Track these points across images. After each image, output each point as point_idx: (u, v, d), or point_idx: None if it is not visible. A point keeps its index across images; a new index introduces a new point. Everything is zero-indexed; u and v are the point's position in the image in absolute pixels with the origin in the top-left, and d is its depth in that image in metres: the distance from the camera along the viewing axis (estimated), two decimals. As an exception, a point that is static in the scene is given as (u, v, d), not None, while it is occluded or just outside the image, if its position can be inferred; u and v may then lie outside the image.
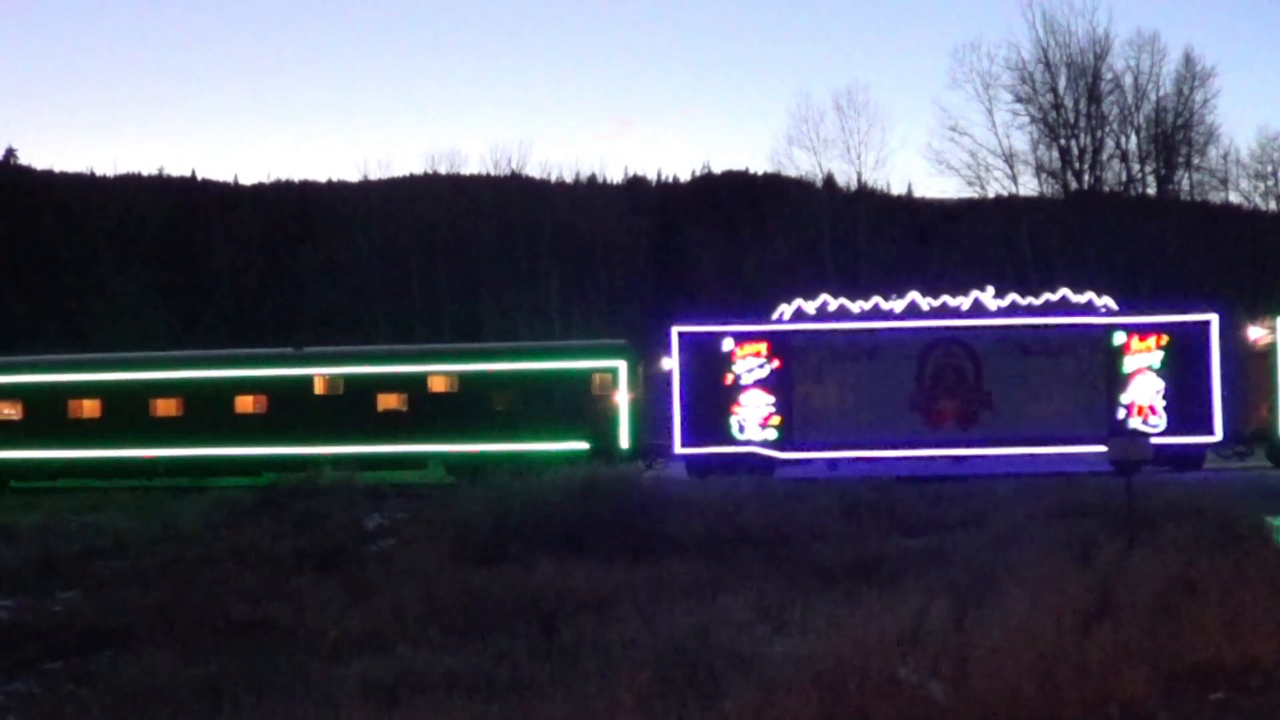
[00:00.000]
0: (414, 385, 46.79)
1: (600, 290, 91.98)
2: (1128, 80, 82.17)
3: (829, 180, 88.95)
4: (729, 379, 43.89)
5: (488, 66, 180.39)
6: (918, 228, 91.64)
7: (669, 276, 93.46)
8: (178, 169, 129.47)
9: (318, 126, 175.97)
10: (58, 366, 49.47)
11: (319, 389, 46.94)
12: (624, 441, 45.40)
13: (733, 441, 43.53)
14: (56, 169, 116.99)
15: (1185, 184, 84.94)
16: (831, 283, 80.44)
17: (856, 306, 44.75)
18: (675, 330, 44.62)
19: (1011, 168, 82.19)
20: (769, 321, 45.04)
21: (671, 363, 44.56)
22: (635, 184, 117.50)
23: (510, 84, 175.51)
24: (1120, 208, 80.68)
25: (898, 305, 44.57)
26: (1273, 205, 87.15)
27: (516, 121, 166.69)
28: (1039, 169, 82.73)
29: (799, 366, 44.31)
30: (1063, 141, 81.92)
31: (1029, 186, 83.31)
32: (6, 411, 48.12)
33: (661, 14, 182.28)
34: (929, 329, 44.27)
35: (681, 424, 44.03)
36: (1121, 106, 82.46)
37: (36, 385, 48.02)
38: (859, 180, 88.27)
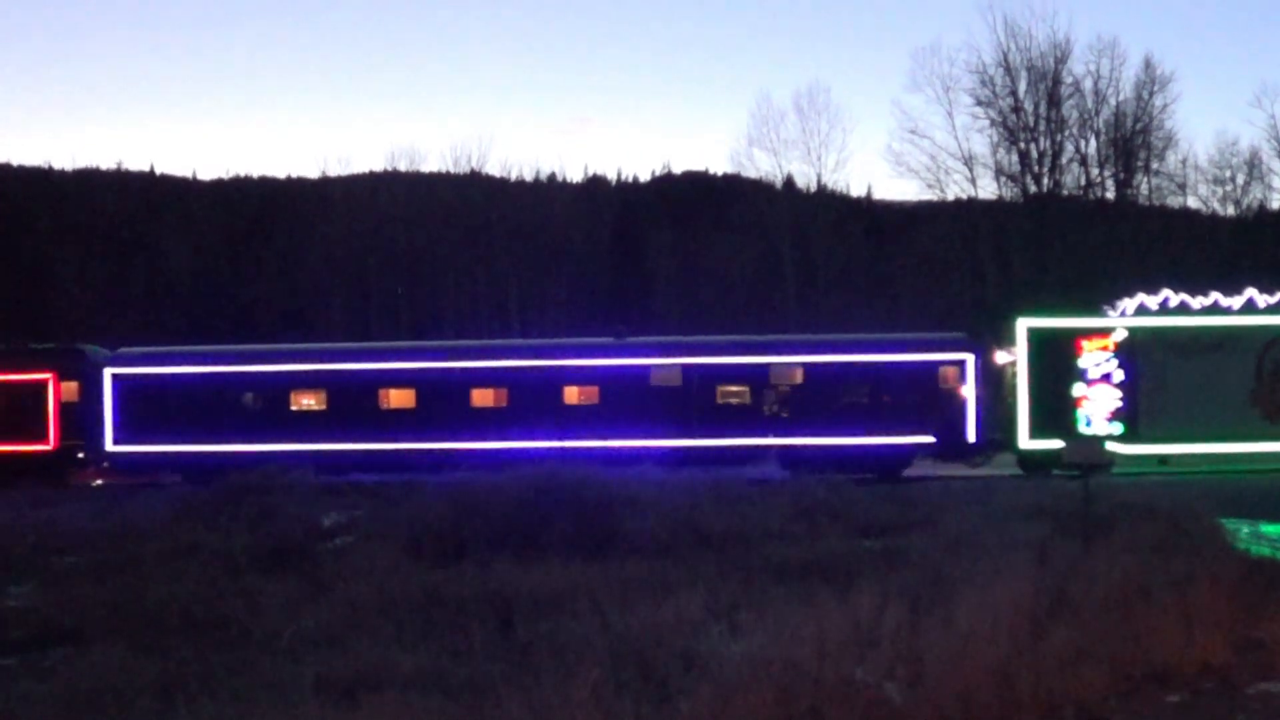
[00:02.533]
0: (757, 377, 46.74)
1: (559, 289, 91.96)
2: (1087, 85, 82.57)
3: (789, 181, 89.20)
4: (1076, 372, 44.60)
5: (448, 64, 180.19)
6: (877, 230, 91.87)
7: (628, 276, 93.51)
8: (136, 164, 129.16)
9: (277, 122, 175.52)
10: (366, 355, 49.56)
11: (655, 380, 46.85)
12: (970, 435, 45.67)
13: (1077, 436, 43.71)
14: (14, 162, 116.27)
15: (1144, 189, 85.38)
16: (790, 284, 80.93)
17: (1196, 302, 45.39)
18: (1022, 324, 45.28)
19: (971, 171, 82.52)
20: (1116, 316, 45.72)
21: (1016, 356, 45.13)
22: (595, 183, 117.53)
23: (470, 82, 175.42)
24: (1079, 212, 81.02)
25: (1235, 301, 44.91)
26: (1230, 210, 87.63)
27: (476, 119, 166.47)
28: (998, 172, 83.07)
29: (1144, 361, 45.07)
30: (1022, 145, 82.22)
31: (988, 190, 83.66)
32: (308, 402, 47.87)
33: (623, 13, 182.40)
34: (1269, 325, 45.27)
35: (1027, 417, 44.84)
36: (1081, 111, 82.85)
37: (342, 373, 47.94)
38: (819, 182, 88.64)
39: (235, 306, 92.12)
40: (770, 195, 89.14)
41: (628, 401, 46.27)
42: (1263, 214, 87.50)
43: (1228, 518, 28.08)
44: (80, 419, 48.67)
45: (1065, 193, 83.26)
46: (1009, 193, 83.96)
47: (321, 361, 48.90)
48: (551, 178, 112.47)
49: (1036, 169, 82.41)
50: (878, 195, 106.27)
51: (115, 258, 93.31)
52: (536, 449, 43.29)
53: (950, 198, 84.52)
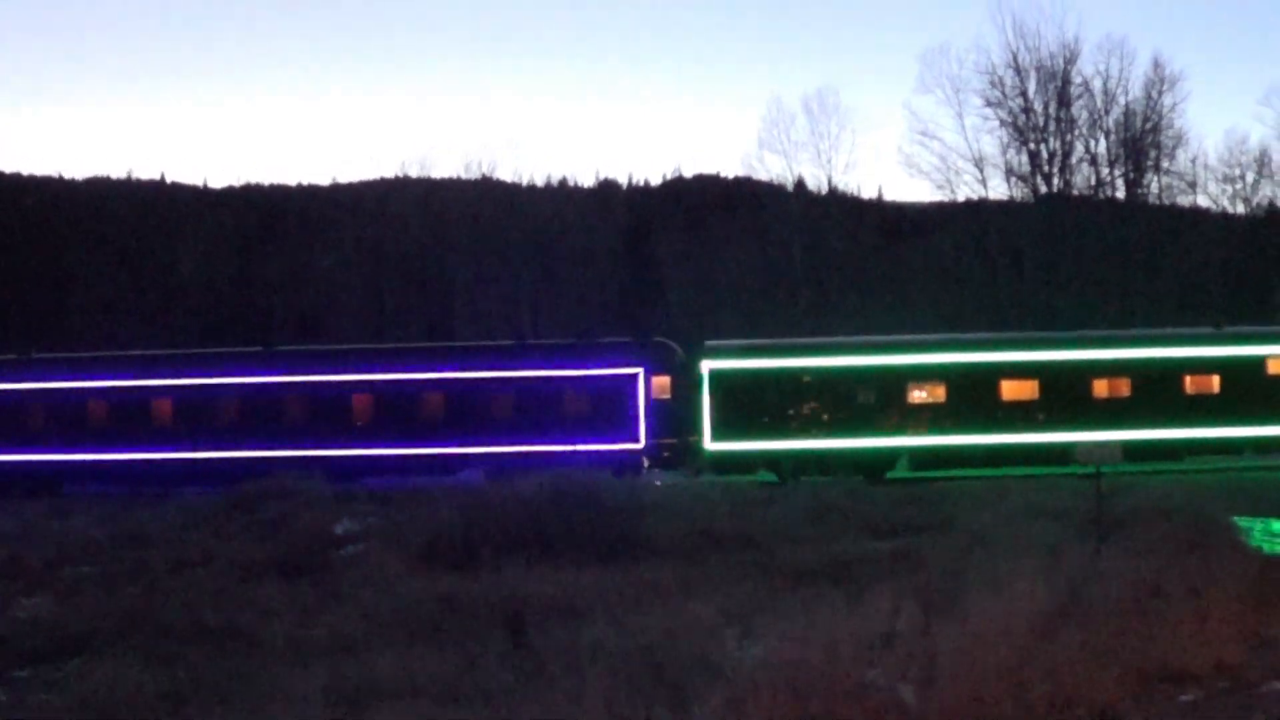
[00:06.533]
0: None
1: (572, 293, 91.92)
2: (1097, 84, 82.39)
3: (799, 184, 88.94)
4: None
5: (460, 70, 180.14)
6: (888, 231, 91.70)
7: (640, 279, 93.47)
8: (147, 172, 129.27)
9: (288, 130, 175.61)
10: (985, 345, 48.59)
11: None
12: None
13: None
14: (25, 172, 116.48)
15: (1154, 188, 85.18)
16: (802, 286, 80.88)
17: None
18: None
19: (981, 171, 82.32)
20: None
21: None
22: (606, 187, 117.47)
23: (482, 88, 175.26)
24: (1089, 211, 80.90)
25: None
26: (1241, 209, 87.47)
27: (488, 125, 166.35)
28: (1009, 173, 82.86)
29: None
30: (1032, 145, 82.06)
31: (999, 190, 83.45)
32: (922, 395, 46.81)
33: (633, 17, 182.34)
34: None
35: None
36: (1091, 110, 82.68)
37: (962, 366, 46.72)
38: (829, 184, 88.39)
39: (247, 312, 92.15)
40: (781, 198, 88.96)
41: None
42: (1273, 212, 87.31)
43: (1241, 516, 28.05)
44: (672, 416, 47.60)
45: (1076, 192, 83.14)
46: (1019, 193, 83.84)
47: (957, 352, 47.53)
48: (563, 183, 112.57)
49: (1047, 169, 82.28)
50: (889, 197, 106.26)
51: (127, 265, 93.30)
52: None
53: (961, 199, 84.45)
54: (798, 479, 43.68)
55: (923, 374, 46.31)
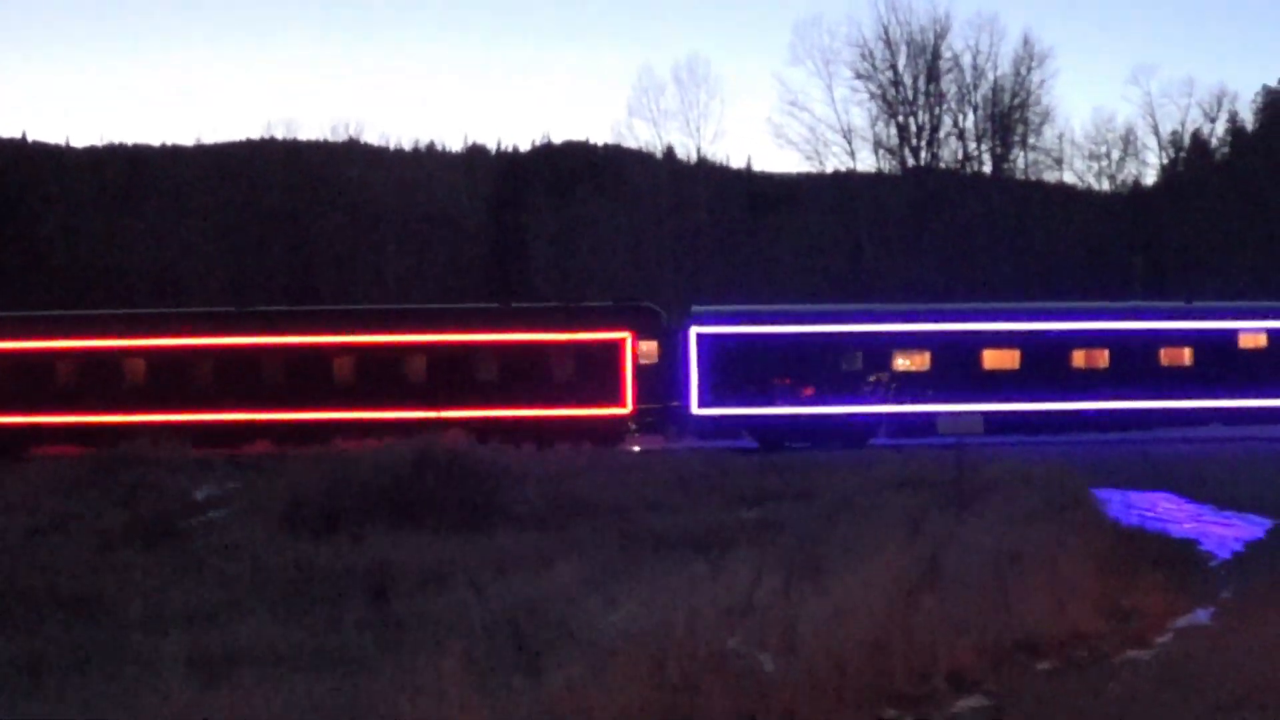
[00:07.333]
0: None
1: (438, 257, 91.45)
2: (966, 59, 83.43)
3: (668, 152, 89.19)
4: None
5: (326, 30, 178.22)
6: (756, 201, 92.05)
7: (507, 245, 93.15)
8: (6, 130, 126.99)
9: (152, 90, 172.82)
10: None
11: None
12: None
13: None
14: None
15: (1021, 163, 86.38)
16: (669, 253, 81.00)
17: None
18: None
19: (850, 143, 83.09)
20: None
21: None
22: (475, 152, 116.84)
23: (350, 50, 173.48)
24: (956, 185, 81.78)
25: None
26: (1106, 186, 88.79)
27: (355, 88, 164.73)
28: (877, 145, 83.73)
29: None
30: (901, 119, 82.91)
31: (867, 163, 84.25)
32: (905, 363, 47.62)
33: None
34: None
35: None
36: (960, 85, 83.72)
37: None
38: (698, 153, 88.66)
39: (108, 275, 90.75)
40: (650, 166, 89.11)
41: None
42: (1137, 189, 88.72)
43: (1099, 487, 28.43)
44: (658, 381, 47.52)
45: (943, 166, 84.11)
46: (887, 166, 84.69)
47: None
48: (431, 146, 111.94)
49: (915, 142, 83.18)
50: (758, 168, 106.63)
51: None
52: None
53: (829, 170, 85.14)
54: (782, 446, 44.21)
55: (907, 342, 47.51)
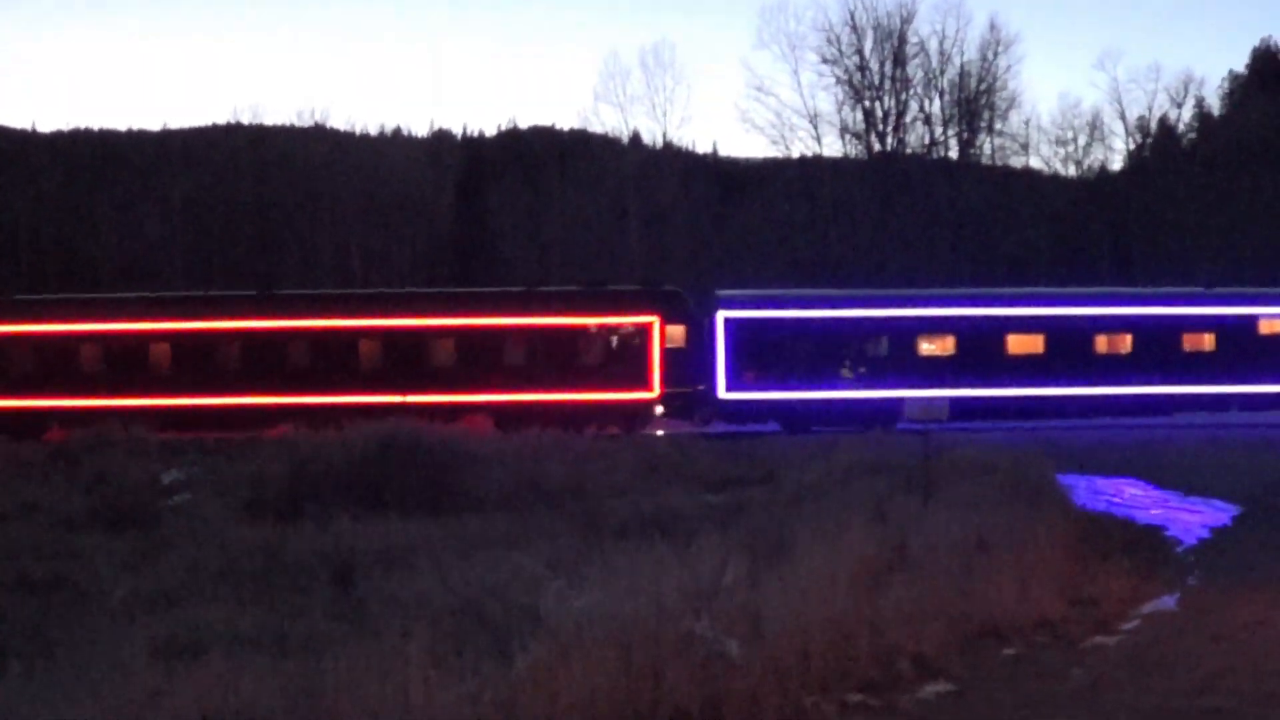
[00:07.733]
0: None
1: (404, 243, 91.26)
2: (933, 44, 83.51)
3: (635, 137, 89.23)
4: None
5: (293, 15, 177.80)
6: (722, 186, 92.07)
7: (473, 231, 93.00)
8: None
9: (118, 74, 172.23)
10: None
11: None
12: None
13: None
14: None
15: (987, 148, 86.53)
16: (636, 238, 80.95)
17: None
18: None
19: (816, 128, 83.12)
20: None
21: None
22: (441, 138, 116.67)
23: (315, 35, 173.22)
24: (922, 170, 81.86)
25: None
26: (1072, 171, 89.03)
27: (321, 73, 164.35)
28: (843, 130, 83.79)
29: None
30: (867, 104, 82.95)
31: (833, 148, 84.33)
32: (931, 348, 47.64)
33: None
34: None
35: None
36: (926, 70, 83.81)
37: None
38: (664, 138, 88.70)
39: (75, 260, 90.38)
40: (616, 151, 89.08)
41: None
42: (1103, 175, 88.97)
43: (1065, 473, 28.46)
44: (685, 365, 47.17)
45: (909, 151, 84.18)
46: (854, 151, 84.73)
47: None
48: (396, 132, 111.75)
49: (881, 127, 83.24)
50: (724, 152, 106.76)
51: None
52: None
53: (795, 155, 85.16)
54: (809, 429, 44.11)
55: (932, 327, 47.79)
